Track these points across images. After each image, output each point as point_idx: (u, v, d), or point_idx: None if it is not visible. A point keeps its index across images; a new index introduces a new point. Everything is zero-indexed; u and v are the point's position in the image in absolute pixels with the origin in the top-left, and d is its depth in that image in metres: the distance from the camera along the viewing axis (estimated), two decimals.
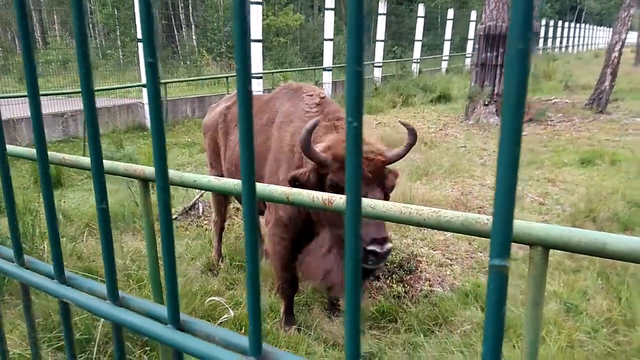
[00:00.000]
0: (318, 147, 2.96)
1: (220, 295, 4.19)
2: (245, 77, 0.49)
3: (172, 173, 2.33)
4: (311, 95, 3.63)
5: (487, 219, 1.56)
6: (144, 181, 2.40)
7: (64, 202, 6.36)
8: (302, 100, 3.64)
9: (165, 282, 0.61)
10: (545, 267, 1.49)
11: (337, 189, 2.83)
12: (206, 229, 5.57)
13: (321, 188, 2.88)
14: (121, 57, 22.08)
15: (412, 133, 3.10)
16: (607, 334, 3.46)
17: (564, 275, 4.32)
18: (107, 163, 2.62)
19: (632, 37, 33.32)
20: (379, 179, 2.91)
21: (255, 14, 15.32)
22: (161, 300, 2.69)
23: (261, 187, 2.10)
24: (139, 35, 12.62)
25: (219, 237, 4.94)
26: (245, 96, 0.50)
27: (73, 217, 5.70)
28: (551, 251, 1.54)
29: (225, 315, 3.74)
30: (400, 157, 3.10)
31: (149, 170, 2.34)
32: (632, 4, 13.14)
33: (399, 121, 3.44)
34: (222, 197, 4.84)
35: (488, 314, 0.40)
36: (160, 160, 0.59)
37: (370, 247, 2.72)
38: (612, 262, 4.17)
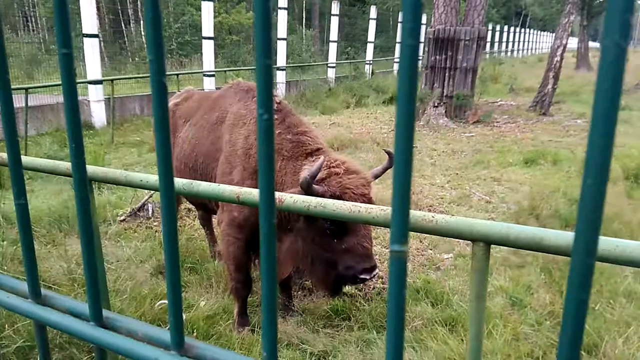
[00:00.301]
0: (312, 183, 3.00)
1: (181, 293, 4.09)
2: (159, 68, 0.48)
3: (117, 172, 2.26)
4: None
5: (433, 217, 1.60)
6: (87, 181, 2.31)
7: (4, 203, 6.04)
8: (256, 104, 3.59)
9: (86, 278, 0.59)
10: (487, 262, 1.54)
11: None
12: (156, 231, 5.43)
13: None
14: None
15: (391, 158, 3.24)
16: (550, 327, 3.61)
17: (509, 270, 4.48)
18: (49, 162, 2.51)
19: (573, 43, 35.04)
20: (369, 201, 3.05)
21: (207, 11, 15.07)
22: (108, 306, 2.60)
23: (210, 187, 2.06)
24: (85, 30, 12.16)
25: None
26: (160, 89, 0.49)
27: (13, 220, 5.42)
28: (497, 248, 1.59)
29: None
30: (377, 177, 3.35)
31: (92, 169, 2.26)
32: (572, 10, 13.81)
33: (383, 150, 3.59)
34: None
35: (390, 294, 0.44)
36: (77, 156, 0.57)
37: (362, 276, 3.04)
38: (553, 258, 4.36)
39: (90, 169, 2.32)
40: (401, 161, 0.40)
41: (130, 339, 0.59)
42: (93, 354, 3.13)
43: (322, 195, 2.87)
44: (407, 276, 0.44)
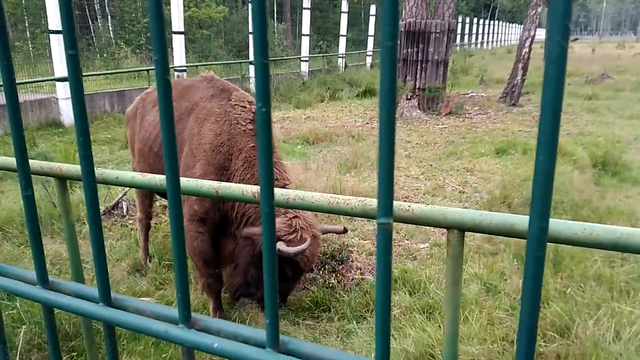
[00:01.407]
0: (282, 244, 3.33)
1: (149, 295, 4.08)
2: (163, 67, 0.52)
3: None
4: (244, 108, 3.72)
5: (409, 206, 1.65)
6: (62, 179, 2.29)
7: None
8: (232, 107, 3.71)
9: (95, 262, 0.62)
10: (462, 249, 1.60)
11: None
12: (131, 229, 5.39)
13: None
14: (31, 49, 20.65)
15: (345, 231, 3.85)
16: None
17: (484, 258, 4.61)
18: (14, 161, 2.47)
19: (541, 34, 35.74)
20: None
21: (177, 5, 14.87)
22: None
23: (188, 182, 2.07)
24: (51, 27, 11.86)
25: (145, 235, 4.80)
26: (165, 86, 0.52)
27: None
28: (471, 236, 1.66)
29: None
30: (324, 233, 3.75)
31: (67, 167, 2.23)
32: (539, 2, 14.09)
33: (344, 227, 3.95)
34: (147, 194, 4.70)
35: (378, 262, 0.49)
36: (86, 159, 0.60)
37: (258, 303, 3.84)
38: (525, 244, 4.49)
39: (65, 167, 2.30)
40: (385, 146, 0.44)
41: (139, 316, 0.62)
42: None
43: (285, 253, 3.29)
44: (392, 245, 0.50)
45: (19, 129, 0.64)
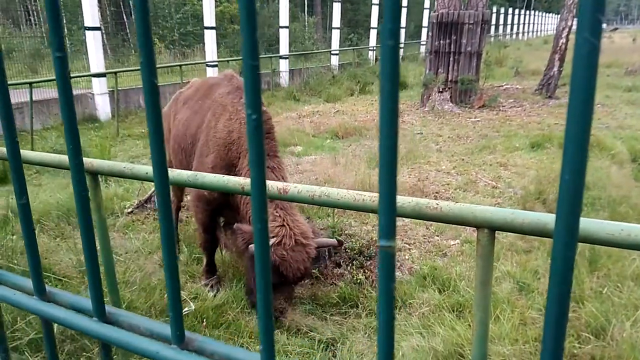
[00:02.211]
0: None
1: (180, 288, 4.14)
2: (150, 70, 0.49)
3: (122, 165, 2.28)
4: None
5: (437, 204, 1.60)
6: (93, 174, 2.33)
7: (12, 198, 6.10)
8: (243, 106, 3.79)
9: (88, 277, 0.61)
10: (492, 248, 1.55)
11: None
12: None
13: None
14: (68, 45, 21.22)
15: (340, 244, 4.02)
16: None
17: (517, 255, 4.49)
18: (54, 157, 2.53)
19: None
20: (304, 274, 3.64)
21: (208, 0, 15.00)
22: (118, 298, 2.64)
23: (216, 178, 2.08)
24: (87, 23, 12.14)
25: (175, 217, 5.06)
26: (152, 89, 0.50)
27: None
28: (504, 233, 1.60)
29: (187, 308, 3.70)
30: (320, 247, 3.77)
31: (98, 162, 2.28)
32: None
33: (336, 239, 4.05)
34: None
35: (380, 288, 0.45)
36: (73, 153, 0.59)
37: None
38: None
39: (96, 162, 2.34)
40: (386, 161, 0.41)
41: (132, 333, 0.60)
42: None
43: (250, 252, 3.43)
44: (395, 270, 0.45)
45: (74, 130, 0.63)
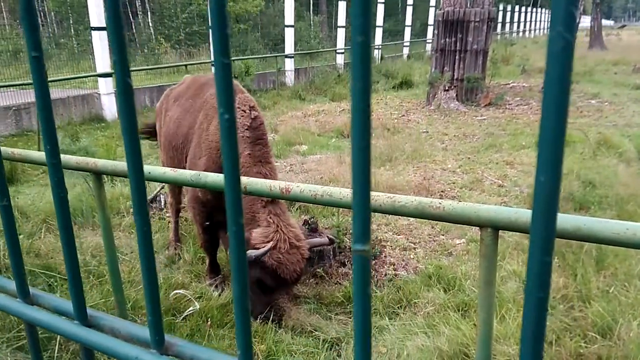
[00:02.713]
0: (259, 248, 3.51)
1: (185, 288, 4.15)
2: (123, 69, 0.49)
3: (125, 165, 2.29)
4: (244, 112, 3.84)
5: (440, 203, 1.59)
6: (97, 174, 2.34)
7: (17, 198, 6.15)
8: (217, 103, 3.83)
9: (69, 281, 0.60)
10: (496, 248, 1.53)
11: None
12: (169, 222, 5.49)
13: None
14: (75, 46, 21.31)
15: (332, 242, 4.11)
16: (563, 310, 3.59)
17: (522, 254, 4.46)
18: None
19: (585, 21, 34.34)
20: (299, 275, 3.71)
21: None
22: (122, 297, 2.65)
23: (219, 177, 2.08)
24: (93, 23, 12.19)
25: (175, 218, 5.04)
26: (125, 89, 0.50)
27: (29, 214, 5.51)
28: (510, 232, 1.59)
29: (191, 308, 3.71)
30: (312, 247, 3.84)
31: (101, 162, 2.29)
32: None
33: (327, 236, 4.10)
34: None
35: (355, 293, 0.44)
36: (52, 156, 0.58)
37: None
38: (566, 241, 4.32)
39: (100, 162, 2.36)
40: (359, 164, 0.40)
41: (113, 337, 0.60)
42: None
43: (262, 265, 3.50)
44: (370, 275, 0.44)
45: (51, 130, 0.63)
